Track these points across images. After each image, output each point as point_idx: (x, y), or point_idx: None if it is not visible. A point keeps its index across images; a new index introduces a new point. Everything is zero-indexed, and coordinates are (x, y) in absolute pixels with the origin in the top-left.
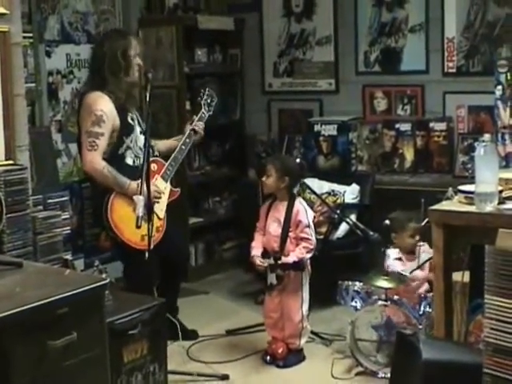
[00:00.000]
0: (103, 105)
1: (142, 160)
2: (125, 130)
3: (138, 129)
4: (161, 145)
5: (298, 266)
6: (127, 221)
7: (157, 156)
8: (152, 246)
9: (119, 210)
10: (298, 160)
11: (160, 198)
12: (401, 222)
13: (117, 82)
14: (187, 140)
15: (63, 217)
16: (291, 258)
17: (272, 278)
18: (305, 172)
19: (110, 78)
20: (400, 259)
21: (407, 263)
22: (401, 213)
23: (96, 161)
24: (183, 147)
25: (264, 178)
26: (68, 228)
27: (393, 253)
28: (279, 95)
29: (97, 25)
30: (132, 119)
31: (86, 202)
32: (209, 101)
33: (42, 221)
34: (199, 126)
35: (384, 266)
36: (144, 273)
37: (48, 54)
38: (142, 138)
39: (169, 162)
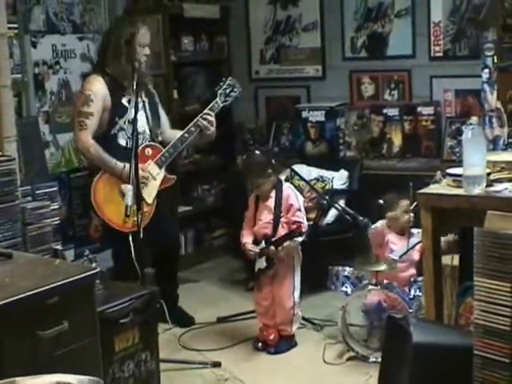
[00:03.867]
0: (93, 85)
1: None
2: (118, 111)
3: (133, 111)
4: (169, 134)
5: (294, 234)
6: (110, 201)
7: (154, 141)
8: (138, 230)
9: (103, 189)
10: (257, 152)
11: (147, 182)
12: (395, 200)
13: (117, 65)
14: (192, 129)
15: (52, 207)
16: (283, 232)
17: (261, 263)
18: (272, 153)
19: (111, 61)
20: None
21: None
22: (393, 193)
23: (85, 139)
24: (186, 135)
25: (259, 190)
26: (57, 218)
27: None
28: (266, 82)
29: (82, 15)
30: (128, 102)
31: (74, 193)
32: (227, 91)
33: (31, 211)
34: (208, 117)
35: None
36: (132, 258)
37: (34, 45)
38: (141, 120)
39: (167, 148)
